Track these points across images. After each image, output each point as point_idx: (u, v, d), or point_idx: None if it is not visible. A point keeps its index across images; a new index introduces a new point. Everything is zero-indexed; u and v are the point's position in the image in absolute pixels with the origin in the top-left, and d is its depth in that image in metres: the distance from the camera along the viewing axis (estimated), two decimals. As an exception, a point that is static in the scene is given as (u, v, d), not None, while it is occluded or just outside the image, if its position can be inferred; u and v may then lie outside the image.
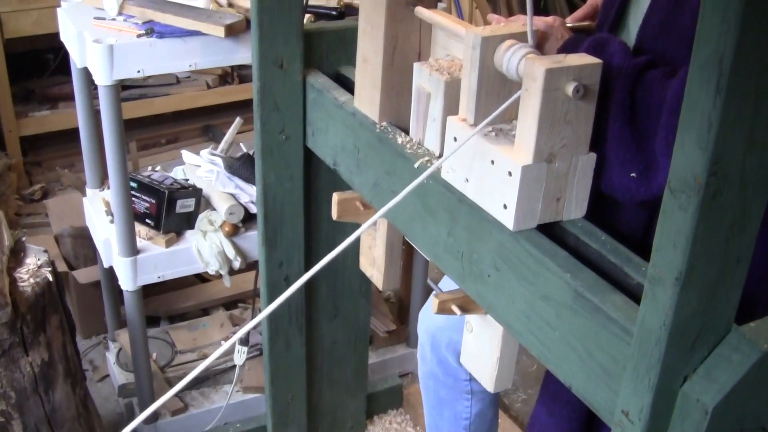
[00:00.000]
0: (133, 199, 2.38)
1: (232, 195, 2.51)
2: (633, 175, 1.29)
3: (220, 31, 2.14)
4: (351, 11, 2.31)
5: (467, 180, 1.31)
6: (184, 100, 4.44)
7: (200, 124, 4.64)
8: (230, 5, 2.32)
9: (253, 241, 2.49)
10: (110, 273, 2.69)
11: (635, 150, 1.28)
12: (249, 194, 2.50)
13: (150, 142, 4.49)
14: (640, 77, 1.29)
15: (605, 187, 1.33)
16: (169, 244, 2.42)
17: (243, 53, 2.23)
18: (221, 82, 4.53)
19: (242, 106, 4.41)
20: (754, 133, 0.81)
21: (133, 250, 2.36)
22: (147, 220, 2.42)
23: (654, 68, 1.30)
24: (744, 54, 0.75)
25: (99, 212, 2.59)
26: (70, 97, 3.05)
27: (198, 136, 4.65)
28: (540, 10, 5.27)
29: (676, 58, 1.32)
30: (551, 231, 1.27)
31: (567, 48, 1.41)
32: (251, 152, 2.57)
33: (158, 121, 4.50)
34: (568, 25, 1.53)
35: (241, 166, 2.52)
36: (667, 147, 1.23)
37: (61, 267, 3.05)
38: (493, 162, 1.24)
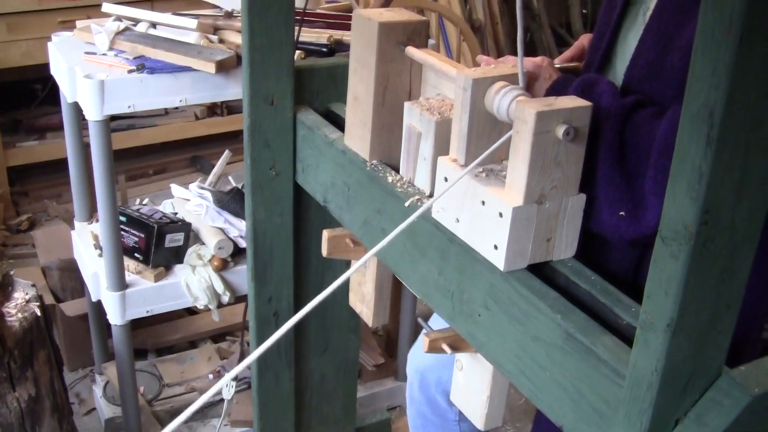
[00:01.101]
0: (122, 233, 2.38)
1: (222, 229, 2.51)
2: (622, 213, 1.29)
3: (211, 67, 2.15)
4: (341, 47, 2.33)
5: (458, 220, 1.31)
6: (173, 131, 4.45)
7: (188, 154, 4.65)
8: (221, 41, 2.34)
9: (242, 275, 2.49)
10: (98, 306, 2.69)
11: (624, 189, 1.29)
12: (238, 229, 2.51)
13: (138, 172, 4.50)
14: (629, 117, 1.30)
15: (595, 226, 1.33)
16: (158, 278, 2.42)
17: (233, 89, 2.24)
18: (210, 113, 4.55)
19: (230, 137, 4.42)
20: (744, 183, 0.82)
21: (121, 284, 2.36)
22: (136, 255, 2.42)
23: (642, 108, 1.31)
24: (734, 106, 0.76)
25: (87, 246, 2.59)
26: (58, 128, 3.06)
27: (186, 166, 4.65)
28: (527, 42, 5.31)
29: (664, 99, 1.33)
30: (541, 271, 1.27)
31: (556, 88, 1.43)
32: (240, 186, 2.57)
33: (146, 151, 4.50)
34: (557, 65, 1.54)
35: (230, 201, 2.53)
36: (656, 186, 1.24)
37: (48, 299, 3.04)
38: (483, 203, 1.25)
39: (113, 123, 4.14)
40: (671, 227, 0.84)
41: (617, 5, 1.47)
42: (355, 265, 1.12)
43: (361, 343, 2.96)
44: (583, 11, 5.72)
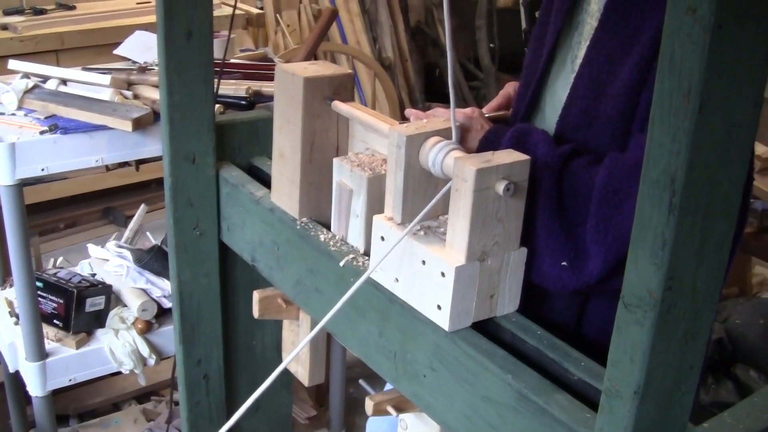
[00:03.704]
0: (40, 299, 2.29)
1: (144, 290, 2.43)
2: (564, 264, 1.28)
3: (128, 126, 2.08)
4: (260, 99, 2.29)
5: (397, 279, 1.28)
6: (84, 184, 4.33)
7: (100, 206, 4.52)
8: (136, 97, 2.27)
9: (167, 336, 2.41)
10: (16, 375, 2.58)
11: (565, 239, 1.28)
12: (161, 288, 2.43)
13: (49, 227, 4.36)
14: (566, 166, 1.29)
15: (537, 278, 1.32)
16: (79, 345, 2.33)
17: (151, 146, 2.18)
18: (121, 163, 4.43)
19: (143, 188, 4.32)
20: (704, 246, 0.80)
21: (41, 353, 2.26)
22: (55, 321, 2.33)
23: (578, 156, 1.30)
24: (695, 172, 0.74)
25: (2, 313, 2.49)
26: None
27: (98, 219, 4.52)
28: (436, 78, 5.33)
29: (599, 146, 1.32)
30: (486, 328, 1.25)
31: (489, 139, 1.41)
32: (161, 243, 2.50)
33: (56, 205, 4.37)
34: (486, 114, 1.53)
35: (151, 260, 2.45)
36: (598, 235, 1.23)
37: (-38, 369, 2.91)
38: (424, 262, 1.22)
39: (21, 178, 4.03)
40: (635, 294, 0.82)
41: (543, 53, 1.46)
42: (305, 340, 1.07)
43: (293, 397, 2.90)
44: (491, 45, 5.78)
